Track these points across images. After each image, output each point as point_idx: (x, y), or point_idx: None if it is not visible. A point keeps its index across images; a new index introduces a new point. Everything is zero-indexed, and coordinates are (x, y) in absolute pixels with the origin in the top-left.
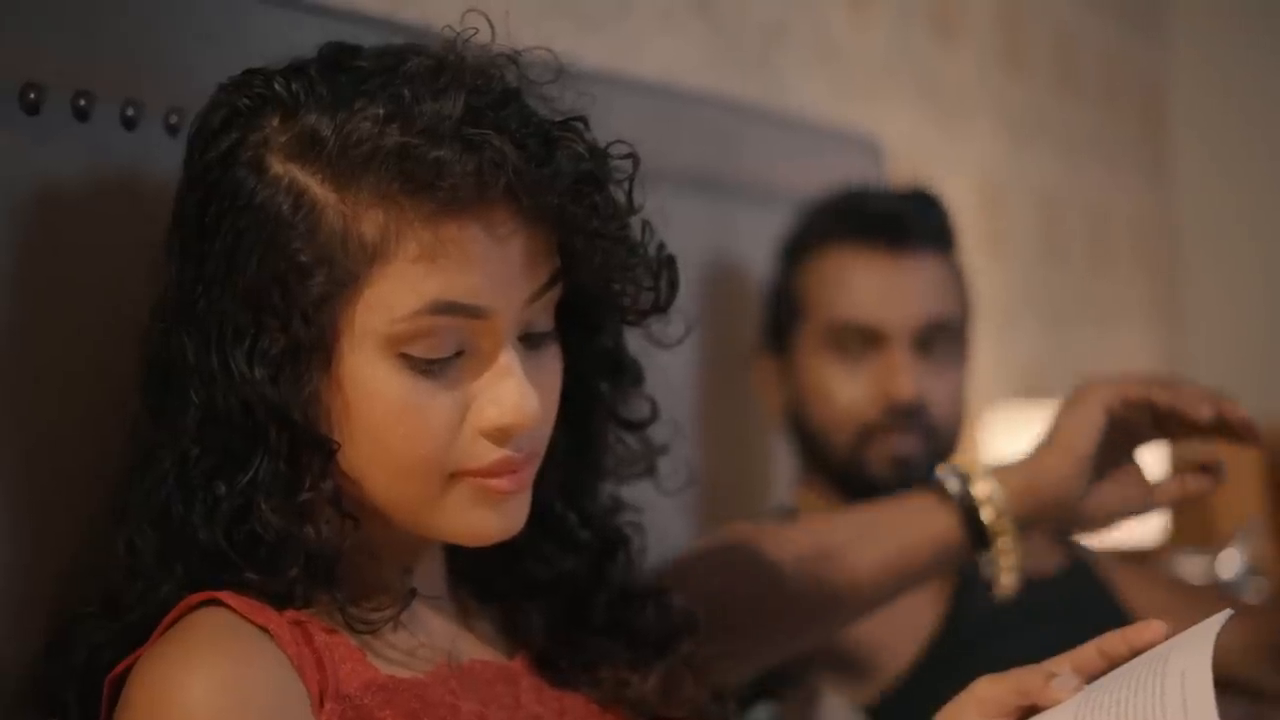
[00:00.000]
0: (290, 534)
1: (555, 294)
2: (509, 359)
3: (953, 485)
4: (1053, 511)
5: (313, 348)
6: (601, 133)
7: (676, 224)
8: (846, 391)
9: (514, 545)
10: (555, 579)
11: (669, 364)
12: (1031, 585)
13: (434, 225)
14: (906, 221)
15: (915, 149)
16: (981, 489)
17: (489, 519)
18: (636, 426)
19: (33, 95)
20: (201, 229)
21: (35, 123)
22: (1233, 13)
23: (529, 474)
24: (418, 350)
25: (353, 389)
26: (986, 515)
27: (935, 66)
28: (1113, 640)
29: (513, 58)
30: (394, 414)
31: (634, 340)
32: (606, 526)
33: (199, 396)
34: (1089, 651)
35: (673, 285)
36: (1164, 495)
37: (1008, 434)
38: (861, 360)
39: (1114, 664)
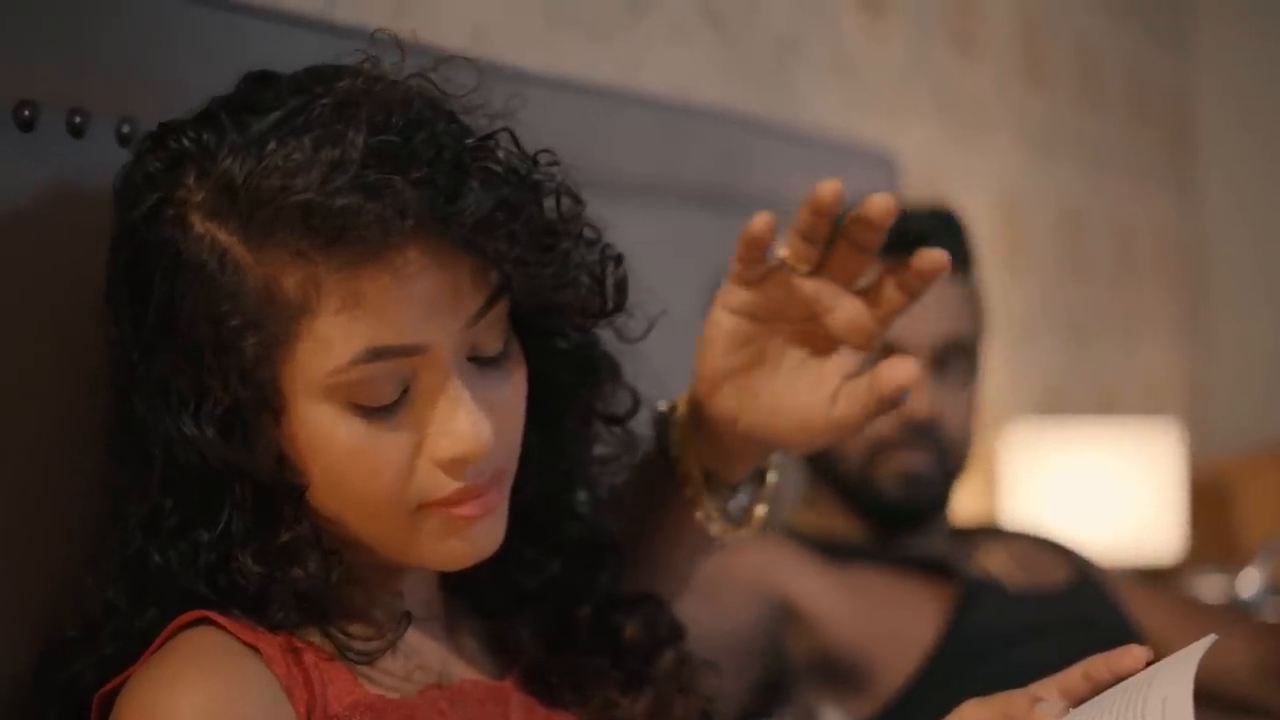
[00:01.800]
0: (273, 580)
1: (500, 311)
2: (456, 389)
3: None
4: (719, 428)
5: (258, 406)
6: (607, 149)
7: (685, 238)
8: None
9: (500, 556)
10: (544, 586)
11: (680, 379)
12: (1036, 599)
13: (351, 275)
14: (928, 239)
15: (933, 163)
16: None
17: (460, 546)
18: (618, 420)
19: (27, 112)
20: (133, 291)
21: (29, 139)
22: (1259, 25)
23: (496, 495)
24: (361, 398)
25: (305, 438)
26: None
27: (953, 80)
28: (1096, 664)
29: (425, 74)
30: (348, 458)
31: (631, 355)
32: (592, 528)
33: (160, 453)
34: (1074, 675)
35: (620, 285)
36: (845, 405)
37: (1027, 451)
38: None
39: (1098, 688)
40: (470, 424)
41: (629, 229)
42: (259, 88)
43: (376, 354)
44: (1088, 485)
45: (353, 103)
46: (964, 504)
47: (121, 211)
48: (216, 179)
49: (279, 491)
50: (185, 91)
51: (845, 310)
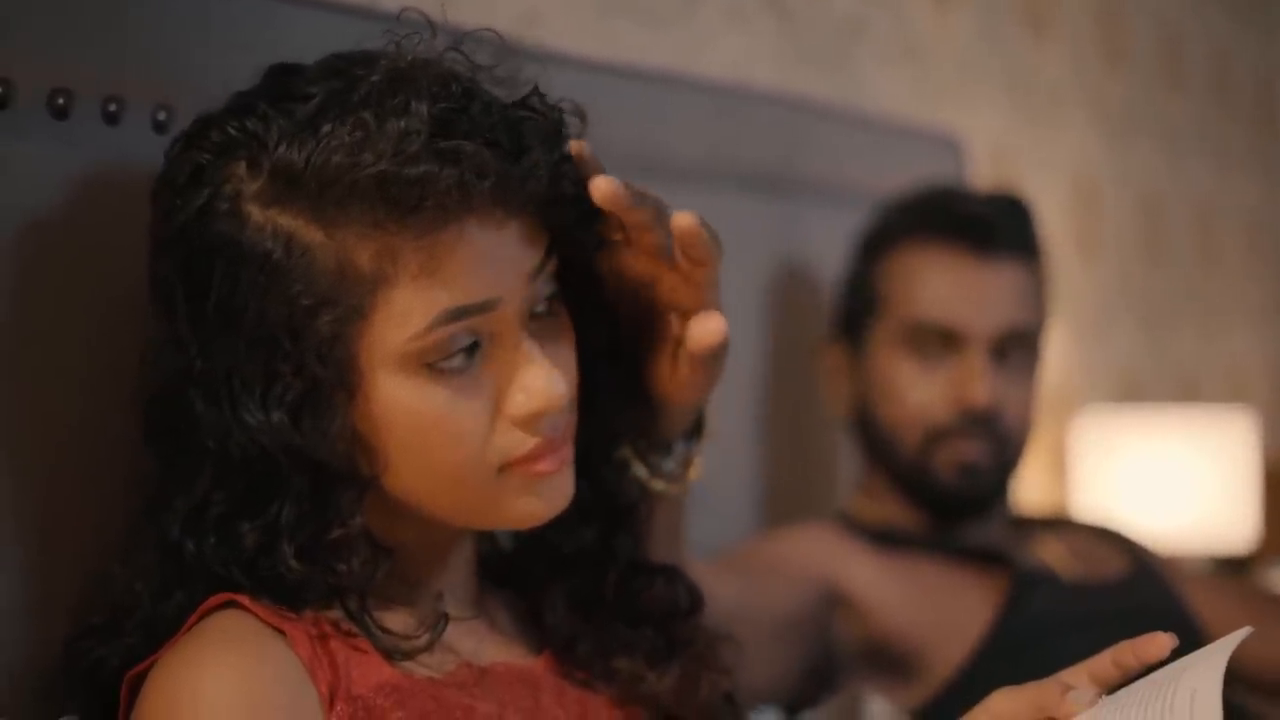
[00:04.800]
0: (315, 574)
1: (553, 264)
2: (528, 346)
3: None
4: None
5: (334, 385)
6: (661, 134)
7: (745, 223)
8: (919, 392)
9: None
10: (577, 552)
11: (734, 363)
12: (1091, 590)
13: (427, 240)
14: (994, 225)
15: (1004, 147)
16: None
17: (537, 503)
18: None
19: (61, 100)
20: (190, 291)
21: (64, 128)
22: None
23: (569, 448)
24: (438, 362)
25: (384, 413)
26: None
27: (1026, 61)
28: (1124, 651)
29: (455, 47)
30: (430, 425)
31: None
32: (616, 491)
33: (214, 446)
34: (1104, 662)
35: None
36: (683, 367)
37: (1100, 439)
38: (937, 361)
39: (1128, 674)
40: (545, 378)
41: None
42: (288, 76)
43: (454, 315)
44: (1162, 473)
45: (405, 77)
46: (1034, 492)
47: (166, 213)
48: (273, 166)
49: (343, 480)
50: (222, 78)
51: (663, 282)
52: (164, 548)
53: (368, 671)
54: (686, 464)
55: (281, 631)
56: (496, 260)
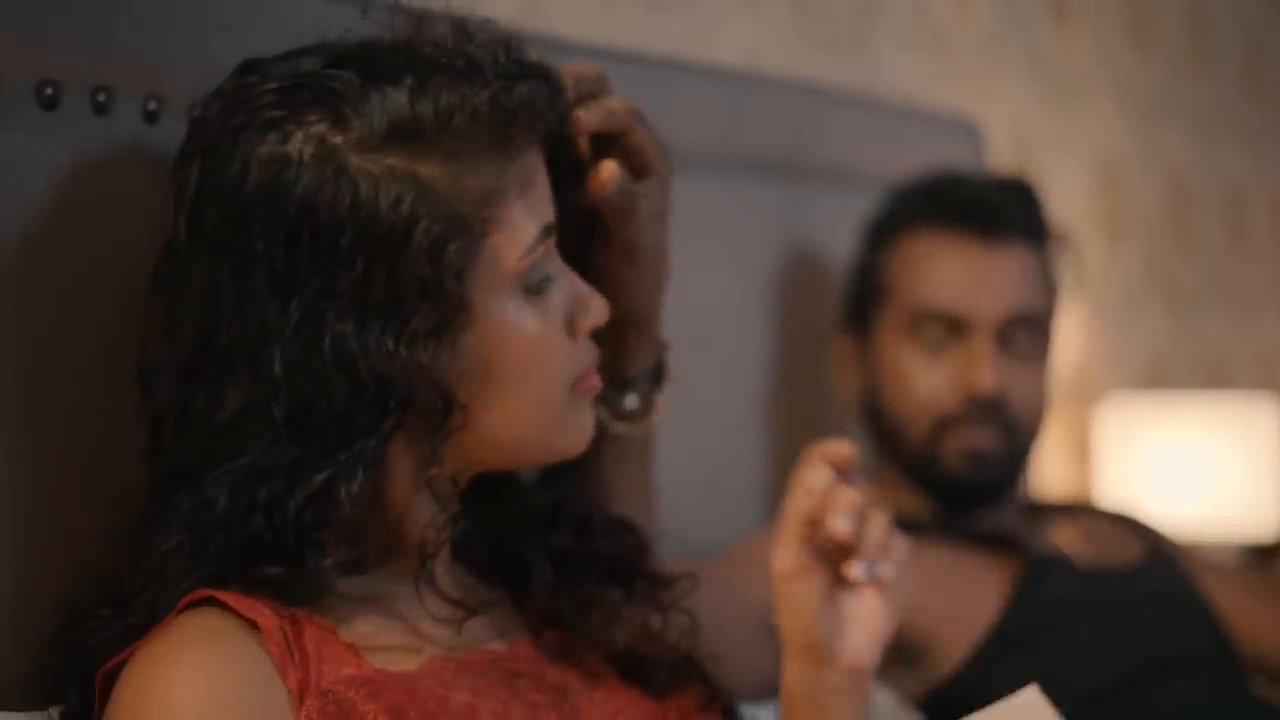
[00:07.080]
0: (370, 529)
1: None
2: (564, 264)
3: None
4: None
5: (458, 311)
6: (670, 118)
7: (757, 210)
8: (925, 380)
9: (511, 484)
10: (548, 509)
11: (745, 350)
12: (1104, 575)
13: (522, 159)
14: (1000, 210)
15: (1026, 131)
16: None
17: (586, 427)
18: None
19: (50, 91)
20: (291, 263)
21: (53, 118)
22: None
23: None
24: (536, 279)
25: (496, 337)
26: None
27: (1048, 44)
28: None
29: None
30: (530, 346)
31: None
32: None
33: (281, 414)
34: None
35: None
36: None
37: (1127, 424)
38: (943, 349)
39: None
40: (594, 293)
41: (692, 199)
42: (284, 61)
43: (547, 232)
44: (1188, 461)
45: (439, 24)
46: (1057, 480)
47: (257, 193)
48: (368, 118)
49: (443, 414)
50: (212, 68)
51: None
52: (190, 530)
53: (339, 664)
54: (648, 406)
55: (255, 625)
56: (544, 183)
